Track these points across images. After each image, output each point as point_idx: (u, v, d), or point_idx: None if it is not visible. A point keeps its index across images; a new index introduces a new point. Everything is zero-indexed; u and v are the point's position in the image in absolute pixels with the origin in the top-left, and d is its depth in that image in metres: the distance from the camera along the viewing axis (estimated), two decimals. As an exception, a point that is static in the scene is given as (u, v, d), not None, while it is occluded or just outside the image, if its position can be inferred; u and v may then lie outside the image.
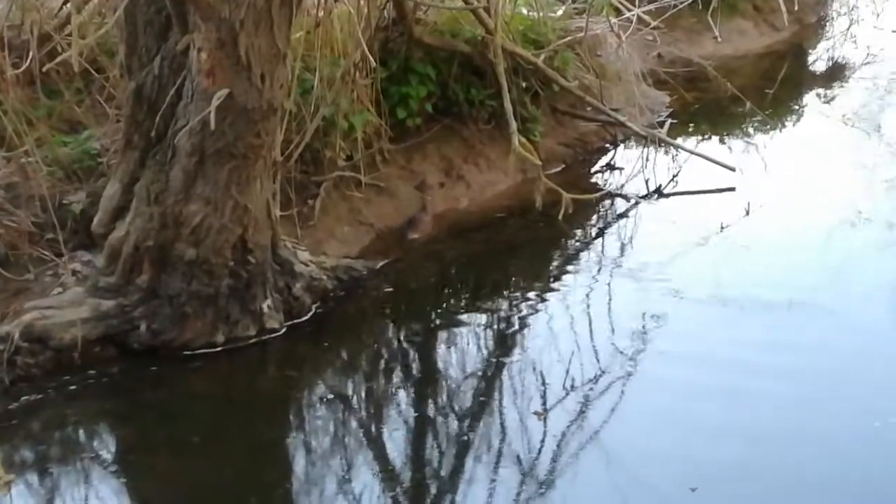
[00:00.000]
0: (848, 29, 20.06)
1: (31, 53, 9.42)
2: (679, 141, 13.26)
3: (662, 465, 6.88)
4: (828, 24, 20.82)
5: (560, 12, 13.41)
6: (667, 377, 8.03)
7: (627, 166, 13.02)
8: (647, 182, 12.40)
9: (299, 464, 7.43)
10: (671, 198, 12.09)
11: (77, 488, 7.06)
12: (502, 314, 9.39)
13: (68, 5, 9.90)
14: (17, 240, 8.89)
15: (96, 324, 8.31)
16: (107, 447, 7.81)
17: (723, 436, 7.20)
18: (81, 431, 7.85)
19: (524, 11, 12.84)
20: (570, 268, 10.30)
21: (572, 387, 7.93)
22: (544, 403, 7.73)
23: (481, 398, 7.97)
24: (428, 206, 11.08)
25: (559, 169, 12.54)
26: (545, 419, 7.49)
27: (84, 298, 8.43)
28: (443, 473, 7.08)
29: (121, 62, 8.89)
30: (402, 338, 9.25)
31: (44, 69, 9.77)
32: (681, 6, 15.76)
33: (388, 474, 7.07)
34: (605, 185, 12.52)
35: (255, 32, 7.88)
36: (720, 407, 7.54)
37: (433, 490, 6.91)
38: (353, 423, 7.92)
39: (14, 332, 7.98)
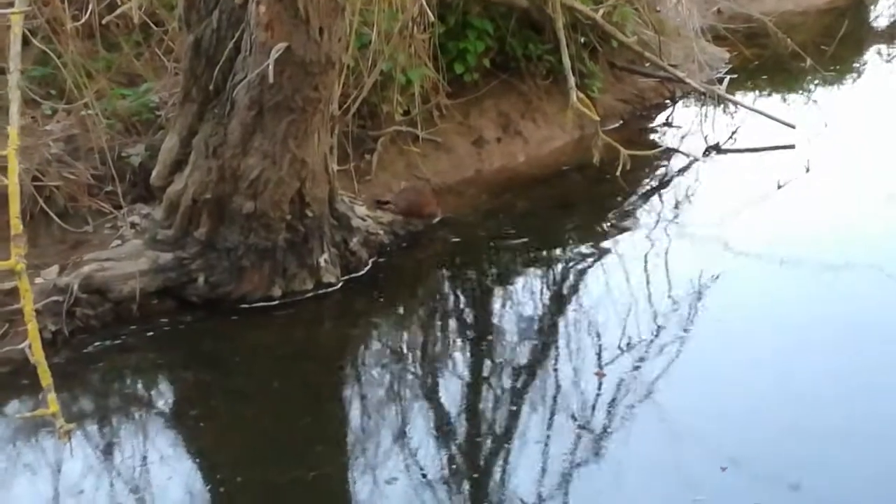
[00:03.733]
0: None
1: (90, 6, 9.46)
2: (738, 97, 13.17)
3: (715, 426, 6.83)
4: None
5: (620, -34, 13.30)
6: (723, 336, 7.98)
7: (685, 123, 12.97)
8: (705, 139, 12.33)
9: (354, 417, 7.45)
10: (729, 155, 12.01)
11: (135, 438, 7.12)
12: (558, 270, 9.37)
13: (128, -42, 9.91)
14: (77, 192, 8.95)
15: (154, 276, 8.36)
16: (164, 398, 7.88)
17: (777, 398, 7.12)
18: (139, 382, 7.93)
19: (583, -34, 12.76)
20: (627, 224, 10.24)
21: (628, 344, 7.90)
22: (600, 361, 7.69)
23: (536, 354, 7.95)
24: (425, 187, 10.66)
25: (617, 125, 12.49)
26: (603, 378, 7.45)
27: (142, 251, 8.48)
28: (497, 429, 7.06)
29: (179, 15, 8.90)
30: (457, 293, 9.25)
31: (103, 22, 9.82)
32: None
33: (442, 428, 7.07)
34: (662, 141, 12.48)
35: (315, -15, 7.87)
36: (775, 368, 7.47)
37: (487, 444, 6.90)
38: (409, 377, 7.92)
39: (73, 284, 8.03)
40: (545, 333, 8.24)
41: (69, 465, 6.65)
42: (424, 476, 6.51)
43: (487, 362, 7.98)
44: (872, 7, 19.27)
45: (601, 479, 6.44)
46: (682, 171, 11.56)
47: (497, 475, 6.60)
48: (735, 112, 12.98)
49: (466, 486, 6.50)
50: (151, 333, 8.17)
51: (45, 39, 9.18)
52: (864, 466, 6.43)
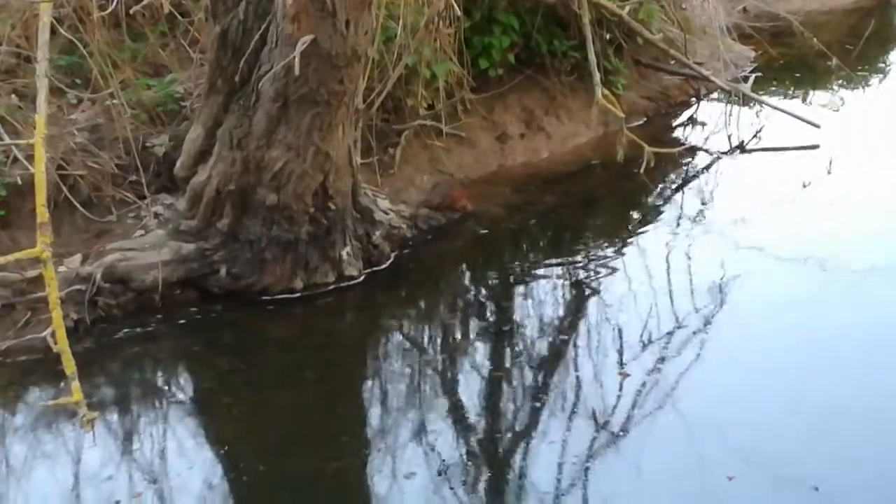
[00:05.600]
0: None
1: (117, -4, 9.48)
2: (763, 96, 13.12)
3: (737, 428, 6.80)
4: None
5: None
6: (745, 337, 7.94)
7: (710, 121, 12.95)
8: (729, 137, 12.31)
9: (375, 409, 7.46)
10: (754, 154, 11.99)
11: (155, 426, 7.14)
12: (580, 267, 9.35)
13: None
14: (101, 181, 8.98)
15: (177, 266, 8.38)
16: (185, 388, 7.90)
17: (799, 401, 7.07)
18: (160, 372, 7.94)
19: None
20: (649, 221, 10.24)
21: (649, 341, 7.89)
22: (622, 360, 7.68)
23: (558, 351, 7.93)
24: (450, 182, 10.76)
25: (641, 122, 12.49)
26: (626, 379, 7.44)
27: (165, 241, 8.50)
28: (516, 426, 7.06)
29: (206, 6, 8.90)
30: (479, 288, 9.25)
31: (130, 12, 9.84)
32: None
33: (462, 423, 7.07)
34: (687, 139, 12.46)
35: (341, -22, 7.87)
36: (797, 370, 7.44)
37: (506, 441, 6.90)
38: (430, 371, 7.91)
39: (96, 273, 8.06)
40: (566, 330, 8.22)
41: (90, 453, 6.68)
42: (443, 471, 6.50)
43: (509, 358, 7.98)
44: (899, 7, 19.23)
45: (619, 478, 6.43)
46: (705, 169, 11.54)
47: (516, 472, 6.60)
48: (760, 111, 12.96)
49: (485, 482, 6.51)
50: (173, 323, 8.19)
51: (71, 28, 9.19)
52: (887, 473, 6.41)
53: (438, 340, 8.43)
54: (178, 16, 10.27)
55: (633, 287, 8.78)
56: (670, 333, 7.99)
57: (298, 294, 8.56)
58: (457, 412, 7.21)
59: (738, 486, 6.24)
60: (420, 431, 6.97)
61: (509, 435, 6.96)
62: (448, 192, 10.11)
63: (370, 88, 9.82)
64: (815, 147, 11.55)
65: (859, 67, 14.59)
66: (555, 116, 12.03)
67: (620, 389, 7.30)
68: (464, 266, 9.51)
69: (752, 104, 12.99)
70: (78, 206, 8.75)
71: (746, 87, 12.84)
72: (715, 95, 13.47)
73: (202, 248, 8.49)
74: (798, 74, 14.71)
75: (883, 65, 15.91)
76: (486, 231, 9.82)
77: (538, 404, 7.24)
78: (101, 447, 6.73)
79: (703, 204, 10.59)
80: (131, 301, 8.23)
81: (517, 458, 6.72)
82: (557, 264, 9.49)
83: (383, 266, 9.07)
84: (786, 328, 7.97)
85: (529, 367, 7.78)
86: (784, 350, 7.67)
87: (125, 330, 8.04)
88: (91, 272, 8.07)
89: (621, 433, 6.81)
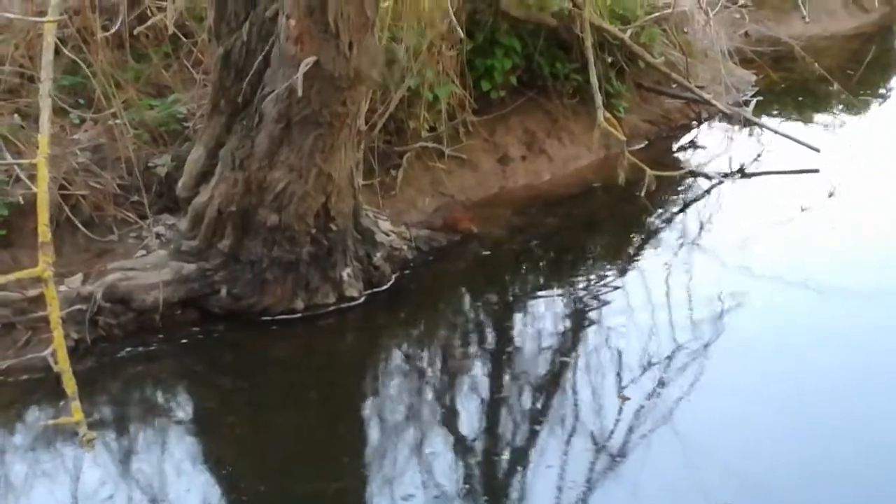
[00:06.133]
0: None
1: (121, 16, 9.50)
2: (764, 120, 13.17)
3: (736, 454, 6.80)
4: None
5: (648, -12, 13.32)
6: (745, 361, 7.93)
7: (711, 145, 12.98)
8: (730, 161, 12.33)
9: (375, 431, 7.46)
10: (754, 178, 11.99)
11: (156, 446, 7.12)
12: (581, 289, 9.36)
13: (159, -31, 9.97)
14: (103, 201, 8.99)
15: (178, 287, 8.38)
16: (185, 408, 7.89)
17: (798, 426, 7.09)
18: (160, 392, 7.93)
19: (612, -14, 12.77)
20: (650, 245, 10.26)
21: (649, 365, 7.88)
22: (622, 384, 7.67)
23: (558, 374, 7.93)
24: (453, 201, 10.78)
25: (642, 145, 12.51)
26: (626, 403, 7.43)
27: (166, 261, 8.51)
28: (515, 449, 7.04)
29: (209, 27, 8.91)
30: (480, 310, 9.25)
31: (133, 32, 9.87)
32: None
33: (461, 446, 7.07)
34: (688, 162, 12.47)
35: (345, 0, 7.88)
36: (797, 395, 7.44)
37: (504, 464, 6.89)
38: (429, 393, 7.91)
39: (97, 293, 8.07)
40: (567, 353, 8.23)
41: (90, 473, 6.68)
42: (441, 494, 6.50)
43: (508, 380, 7.97)
44: (900, 33, 19.28)
45: (618, 499, 6.44)
46: (706, 192, 11.55)
47: (514, 495, 6.59)
48: (761, 135, 12.99)
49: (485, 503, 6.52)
50: (174, 343, 8.19)
51: (75, 49, 9.22)
52: (886, 499, 6.42)
53: (438, 362, 8.42)
54: (181, 37, 10.28)
55: (633, 310, 8.79)
56: (670, 357, 7.98)
57: (299, 315, 8.56)
58: (456, 434, 7.21)
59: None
60: (419, 453, 6.97)
61: (508, 457, 6.95)
62: (451, 215, 10.11)
63: (372, 110, 9.85)
64: (815, 171, 11.57)
65: (860, 92, 14.61)
66: (556, 139, 12.05)
67: (620, 413, 7.28)
68: (464, 288, 9.51)
69: (753, 128, 13.03)
70: (80, 225, 8.76)
71: (748, 111, 12.89)
72: (716, 119, 13.49)
73: (203, 269, 8.49)
74: (799, 99, 14.74)
75: (884, 90, 15.93)
76: (488, 253, 9.83)
77: (537, 427, 7.24)
78: (101, 467, 6.73)
79: (703, 227, 10.60)
80: (132, 321, 8.23)
81: (516, 481, 6.71)
82: (558, 286, 9.50)
83: (384, 287, 9.08)
84: (785, 353, 7.96)
85: (529, 389, 7.77)
86: (783, 375, 7.65)
87: (127, 349, 8.03)
88: (92, 292, 8.07)
89: (620, 457, 6.80)
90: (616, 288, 9.28)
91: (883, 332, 8.29)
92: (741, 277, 9.25)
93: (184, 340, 8.24)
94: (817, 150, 11.86)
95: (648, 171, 10.26)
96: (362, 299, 8.84)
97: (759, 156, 12.47)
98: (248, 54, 8.46)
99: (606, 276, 9.56)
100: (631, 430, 7.08)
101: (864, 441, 6.89)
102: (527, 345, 8.45)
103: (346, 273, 8.75)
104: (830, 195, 10.98)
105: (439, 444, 7.09)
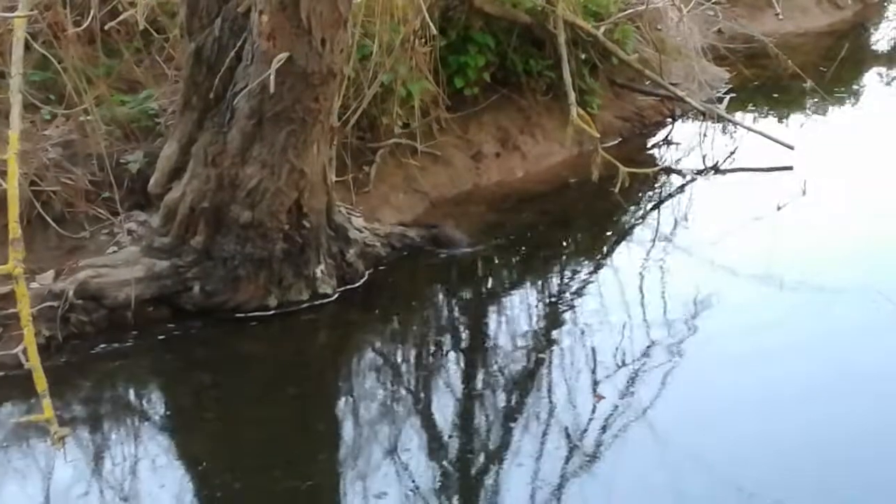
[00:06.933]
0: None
1: (92, 12, 9.45)
2: (737, 117, 13.19)
3: (710, 449, 6.81)
4: (891, 3, 20.60)
5: (622, -16, 13.33)
6: (717, 359, 7.95)
7: (685, 142, 13.00)
8: (703, 158, 12.37)
9: (348, 428, 7.44)
10: (728, 175, 12.02)
11: (127, 444, 7.10)
12: (555, 286, 9.38)
13: (131, -36, 9.92)
14: (74, 198, 8.94)
15: (150, 284, 8.35)
16: (158, 405, 7.85)
17: (771, 422, 7.11)
18: (133, 389, 7.90)
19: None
20: (624, 242, 10.28)
21: (622, 362, 7.90)
22: (596, 383, 7.66)
23: (531, 372, 7.93)
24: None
25: (616, 142, 12.52)
26: (600, 401, 7.42)
27: (138, 258, 8.47)
28: (489, 446, 7.04)
29: (181, 23, 8.89)
30: (453, 307, 9.24)
31: (104, 28, 9.81)
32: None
33: (434, 443, 7.06)
34: (661, 159, 12.49)
35: (317, -3, 7.87)
36: (770, 392, 7.45)
37: (478, 462, 6.88)
38: (402, 390, 7.90)
39: (69, 290, 8.02)
40: (541, 351, 8.21)
41: (62, 470, 6.64)
42: (415, 492, 6.49)
43: (482, 378, 7.96)
44: (873, 30, 19.32)
45: (593, 497, 6.43)
46: (680, 189, 11.57)
47: (488, 493, 6.58)
48: (734, 132, 13.02)
49: (458, 501, 6.50)
50: (145, 341, 8.16)
51: (45, 44, 9.16)
52: (858, 494, 6.43)
53: (412, 359, 8.42)
54: (153, 32, 10.24)
55: (607, 307, 8.80)
56: (645, 355, 7.99)
57: (272, 311, 8.54)
58: (430, 431, 7.20)
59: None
60: (393, 450, 6.96)
61: (482, 455, 6.94)
62: (443, 232, 10.03)
63: (345, 106, 9.82)
64: (788, 168, 11.59)
65: (834, 90, 14.65)
66: (530, 136, 12.05)
67: (593, 411, 7.29)
68: (438, 285, 9.50)
69: (726, 125, 13.06)
70: (51, 222, 8.71)
71: (721, 109, 12.94)
72: (690, 116, 13.51)
73: (175, 266, 8.46)
74: (773, 96, 14.78)
75: (857, 87, 15.97)
76: (461, 249, 9.81)
77: (512, 425, 7.23)
78: (72, 465, 6.69)
79: (677, 224, 10.61)
80: (104, 318, 8.19)
81: (489, 478, 6.71)
82: (532, 283, 9.51)
83: (357, 284, 9.05)
84: (759, 351, 7.96)
85: (503, 387, 7.76)
86: (757, 372, 7.67)
87: (99, 347, 7.99)
88: (63, 289, 8.03)
89: (594, 456, 6.80)
90: (590, 285, 9.30)
91: (856, 329, 8.31)
92: (715, 274, 9.28)
93: (156, 337, 8.21)
94: (791, 148, 11.88)
95: (622, 168, 10.28)
96: (336, 296, 8.82)
97: (732, 153, 12.49)
98: (221, 50, 8.43)
99: (580, 273, 9.57)
100: (605, 428, 7.08)
101: (839, 437, 6.92)
102: (501, 342, 8.44)
103: (319, 270, 8.73)
104: (804, 192, 11.00)
105: (413, 442, 7.08)
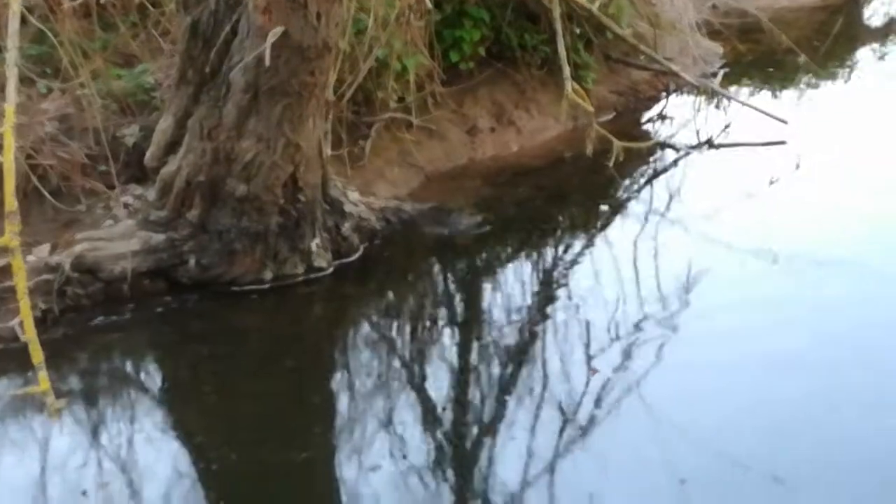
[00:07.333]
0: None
1: (88, -15, 9.46)
2: (731, 92, 13.20)
3: (704, 423, 6.85)
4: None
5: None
6: (711, 332, 7.98)
7: (679, 116, 13.02)
8: (698, 132, 12.37)
9: (343, 401, 7.48)
10: (722, 149, 12.03)
11: (123, 416, 7.13)
12: (549, 260, 9.40)
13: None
14: (70, 171, 8.95)
15: (146, 257, 8.37)
16: (153, 378, 7.89)
17: (763, 395, 7.13)
18: (129, 362, 7.94)
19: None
20: (619, 216, 10.30)
21: (616, 336, 7.92)
22: (590, 356, 7.70)
23: (525, 344, 7.96)
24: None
25: (610, 117, 12.55)
26: (595, 374, 7.45)
27: (134, 231, 8.49)
28: (483, 418, 7.07)
29: (177, -3, 8.90)
30: (448, 281, 9.27)
31: (101, 1, 9.82)
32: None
33: (429, 415, 7.09)
34: (656, 134, 12.51)
35: (313, -30, 7.88)
36: (763, 365, 7.47)
37: (473, 434, 6.92)
38: (397, 363, 7.94)
39: (65, 263, 8.05)
40: (535, 324, 8.24)
41: (58, 442, 6.68)
42: (409, 464, 6.52)
43: (477, 351, 7.99)
44: (866, 5, 19.30)
45: (586, 470, 6.47)
46: (674, 164, 11.59)
47: (482, 466, 6.61)
48: (728, 107, 13.03)
49: (451, 474, 6.54)
50: (141, 314, 8.18)
51: (42, 18, 9.13)
52: (847, 461, 6.47)
53: (407, 332, 8.44)
54: (149, 6, 10.24)
55: (601, 281, 8.82)
56: (639, 329, 8.01)
57: (268, 285, 8.56)
58: (425, 404, 7.23)
59: (698, 483, 6.30)
60: (387, 423, 6.99)
61: (476, 428, 6.97)
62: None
63: (341, 81, 9.82)
64: (782, 143, 11.60)
65: (827, 64, 14.67)
66: (525, 110, 12.07)
67: (587, 385, 7.32)
68: (433, 258, 9.52)
69: (720, 100, 13.07)
70: (47, 195, 8.71)
71: (715, 83, 12.95)
72: (684, 91, 13.53)
73: (171, 239, 8.48)
74: (767, 71, 14.78)
75: (850, 62, 15.99)
76: (456, 224, 9.82)
77: (505, 398, 7.26)
78: (69, 437, 6.73)
79: (671, 199, 10.63)
80: (100, 291, 8.21)
81: (483, 451, 6.73)
82: (527, 257, 9.53)
83: (353, 258, 9.08)
84: (751, 323, 8.00)
85: (498, 360, 7.78)
86: (751, 347, 7.69)
87: (95, 320, 8.02)
88: (60, 262, 8.05)
89: (588, 429, 6.84)
90: (584, 258, 9.33)
91: (849, 303, 8.33)
92: (709, 249, 9.30)
93: (153, 311, 8.23)
94: (784, 122, 11.90)
95: (616, 143, 10.27)
96: (331, 270, 8.85)
97: (726, 127, 12.51)
98: (216, 24, 8.43)
99: (575, 247, 9.60)
100: (599, 401, 7.12)
101: (832, 411, 6.94)
102: (495, 316, 8.47)
103: (314, 244, 8.75)
104: (797, 167, 11.03)
105: (407, 415, 7.11)
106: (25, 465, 6.53)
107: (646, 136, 12.30)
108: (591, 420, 6.93)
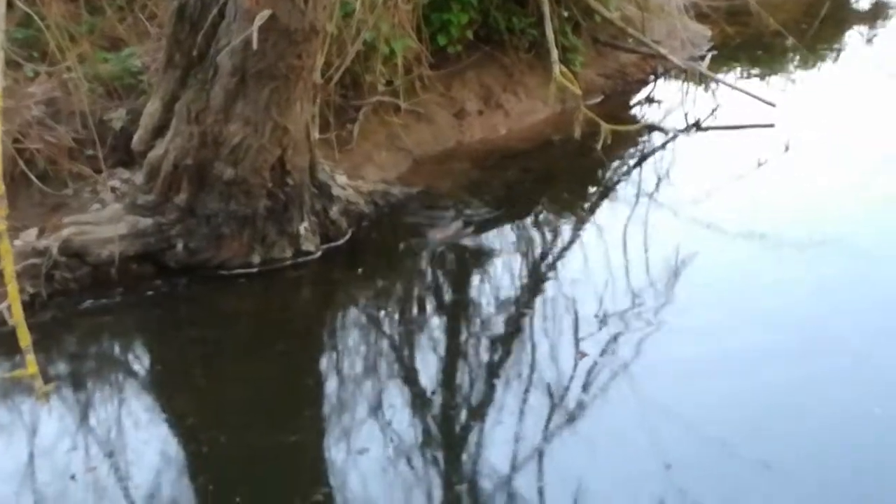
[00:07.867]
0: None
1: (74, -32, 9.43)
2: (719, 75, 13.21)
3: (693, 406, 6.86)
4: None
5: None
6: (699, 313, 8.00)
7: (667, 99, 13.02)
8: (686, 115, 12.38)
9: (331, 384, 7.49)
10: (710, 132, 12.04)
11: (112, 400, 7.14)
12: (537, 245, 9.41)
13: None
14: (57, 155, 8.93)
15: (133, 241, 8.36)
16: (141, 361, 7.90)
17: (751, 377, 7.15)
18: (117, 345, 7.94)
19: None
20: (607, 199, 10.31)
21: (605, 320, 7.93)
22: (578, 340, 7.70)
23: (514, 327, 7.96)
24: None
25: (598, 100, 12.52)
26: (583, 358, 7.46)
27: (122, 215, 8.48)
28: (471, 402, 7.09)
29: (164, -20, 8.88)
30: (436, 264, 9.25)
31: (87, -16, 9.79)
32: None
33: (417, 398, 7.11)
34: (644, 117, 12.52)
35: (300, -47, 7.86)
36: (752, 347, 7.50)
37: (461, 417, 6.93)
38: (385, 347, 7.95)
39: (52, 247, 8.03)
40: (524, 307, 8.25)
41: (46, 426, 6.69)
42: (397, 448, 6.53)
43: (465, 335, 8.01)
44: (855, -13, 19.34)
45: (573, 454, 6.48)
46: (662, 146, 11.60)
47: (470, 449, 6.62)
48: (716, 89, 13.04)
49: (439, 457, 6.55)
50: (129, 298, 8.18)
51: (28, 1, 9.13)
52: (833, 445, 6.49)
53: (395, 316, 8.44)
54: (136, -11, 10.24)
55: (589, 265, 8.83)
56: (627, 312, 8.01)
57: (256, 269, 8.56)
58: (413, 388, 7.24)
59: (687, 466, 6.31)
60: (376, 407, 7.00)
61: (464, 411, 6.99)
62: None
63: (328, 64, 9.80)
64: (770, 126, 11.61)
65: (815, 47, 14.67)
66: (513, 93, 12.06)
67: (575, 368, 7.33)
68: (421, 241, 9.50)
69: (708, 83, 13.08)
70: (34, 179, 8.69)
71: (703, 66, 12.94)
72: (672, 74, 13.52)
73: (159, 223, 8.47)
74: (755, 53, 14.78)
75: (838, 45, 15.99)
76: (444, 207, 9.82)
77: (494, 381, 7.27)
78: (57, 420, 6.74)
79: (659, 181, 10.64)
80: (87, 275, 8.21)
81: (472, 434, 6.74)
82: (515, 241, 9.52)
83: (341, 242, 9.08)
84: (742, 307, 8.02)
85: (486, 344, 7.80)
86: (740, 329, 7.71)
87: (83, 304, 8.02)
88: (47, 246, 8.04)
89: (576, 412, 6.85)
90: (573, 242, 9.33)
91: (838, 284, 8.35)
92: (697, 231, 9.31)
93: (140, 294, 8.23)
94: (773, 105, 11.91)
95: (604, 126, 10.26)
96: (319, 253, 8.85)
97: (714, 110, 12.52)
98: (203, 7, 8.40)
99: (563, 230, 9.60)
100: (587, 385, 7.12)
101: (820, 393, 6.96)
102: (484, 300, 8.48)
103: (302, 227, 8.75)
104: (786, 149, 11.04)
105: (396, 398, 7.12)
106: (14, 450, 6.53)
107: (634, 119, 12.31)
108: (579, 404, 6.94)
